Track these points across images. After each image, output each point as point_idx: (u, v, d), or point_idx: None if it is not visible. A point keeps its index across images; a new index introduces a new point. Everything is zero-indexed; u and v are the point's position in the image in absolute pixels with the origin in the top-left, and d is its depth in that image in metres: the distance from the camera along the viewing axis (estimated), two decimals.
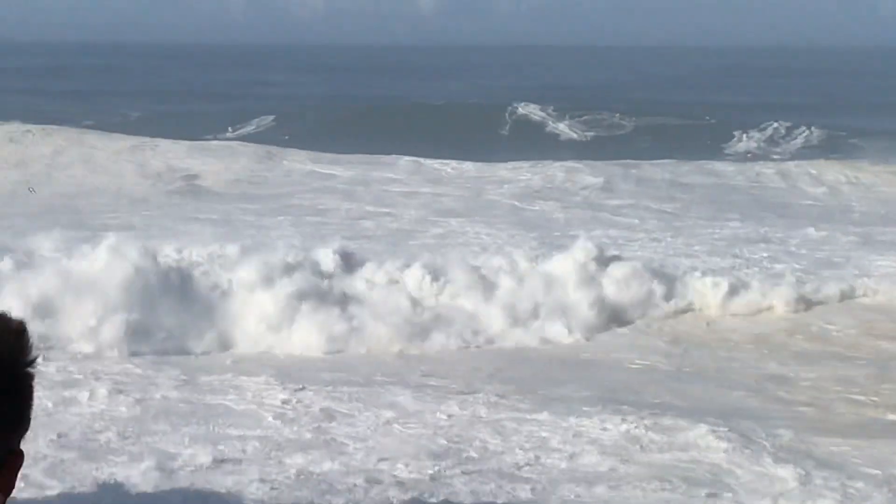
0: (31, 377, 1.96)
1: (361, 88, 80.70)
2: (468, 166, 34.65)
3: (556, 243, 21.38)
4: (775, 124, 49.88)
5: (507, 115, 51.89)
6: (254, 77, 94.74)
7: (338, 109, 54.90)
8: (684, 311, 17.90)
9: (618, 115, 51.77)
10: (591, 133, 49.78)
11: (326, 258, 17.57)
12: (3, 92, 64.25)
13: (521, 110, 52.38)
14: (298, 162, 35.59)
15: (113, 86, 79.25)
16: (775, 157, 44.30)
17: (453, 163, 34.91)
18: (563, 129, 50.45)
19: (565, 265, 17.98)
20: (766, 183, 33.48)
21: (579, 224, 25.55)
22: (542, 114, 52.07)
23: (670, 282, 18.23)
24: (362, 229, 24.65)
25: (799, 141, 48.47)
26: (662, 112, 53.88)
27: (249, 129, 50.10)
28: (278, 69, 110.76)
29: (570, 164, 35.14)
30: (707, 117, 52.22)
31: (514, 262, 18.21)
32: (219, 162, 34.90)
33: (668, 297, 17.95)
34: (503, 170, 34.28)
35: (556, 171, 34.03)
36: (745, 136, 48.61)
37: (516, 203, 29.55)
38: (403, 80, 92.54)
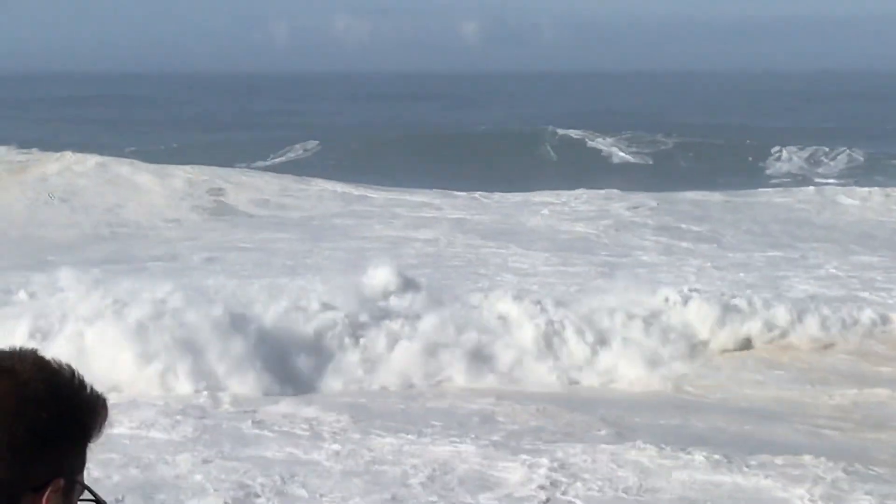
0: (85, 411, 2.05)
1: (404, 116, 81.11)
2: (517, 197, 34.30)
3: (654, 277, 21.33)
4: (822, 148, 49.45)
5: (548, 138, 52.01)
6: (297, 105, 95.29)
7: (379, 137, 55.10)
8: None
9: (660, 135, 51.92)
10: (640, 153, 49.80)
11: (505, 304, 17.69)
12: (59, 121, 65.25)
13: (562, 132, 52.45)
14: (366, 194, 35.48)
15: (155, 115, 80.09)
16: (818, 179, 44.05)
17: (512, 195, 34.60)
18: (616, 151, 50.24)
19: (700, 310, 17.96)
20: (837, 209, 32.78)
21: (658, 253, 25.51)
22: (584, 135, 52.16)
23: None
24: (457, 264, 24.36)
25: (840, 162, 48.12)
26: (703, 134, 53.82)
27: (292, 154, 50.59)
28: (322, 97, 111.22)
29: (614, 191, 34.71)
30: (748, 140, 52.15)
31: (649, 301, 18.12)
32: (259, 191, 35.26)
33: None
34: (558, 197, 33.88)
35: (611, 199, 33.65)
36: (788, 156, 48.46)
37: (578, 229, 29.22)
38: (447, 108, 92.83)
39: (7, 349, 2.05)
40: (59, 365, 2.04)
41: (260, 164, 46.95)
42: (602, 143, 51.03)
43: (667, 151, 49.98)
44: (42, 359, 2.03)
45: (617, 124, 58.04)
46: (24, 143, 42.66)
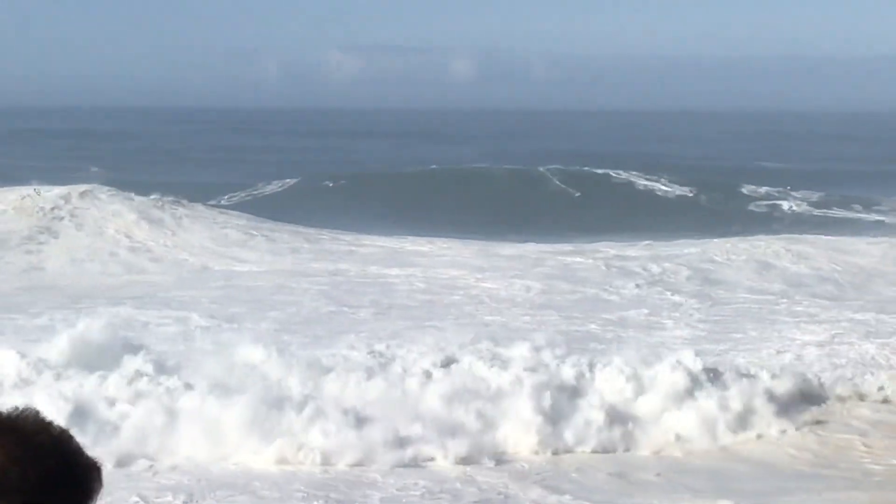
0: (85, 468, 2.13)
1: (400, 153, 79.72)
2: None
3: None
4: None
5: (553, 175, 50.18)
6: (279, 141, 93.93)
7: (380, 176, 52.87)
8: None
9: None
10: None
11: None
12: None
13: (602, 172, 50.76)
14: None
15: (124, 147, 78.77)
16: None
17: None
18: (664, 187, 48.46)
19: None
20: None
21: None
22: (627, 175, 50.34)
23: None
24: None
25: None
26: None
27: (271, 188, 48.89)
28: (303, 133, 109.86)
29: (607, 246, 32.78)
30: (747, 183, 50.09)
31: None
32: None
33: None
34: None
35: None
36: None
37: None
38: (436, 144, 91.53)
39: (8, 409, 2.11)
40: (60, 427, 2.13)
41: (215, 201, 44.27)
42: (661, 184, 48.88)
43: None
44: (44, 419, 2.12)
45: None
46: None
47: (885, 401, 16.81)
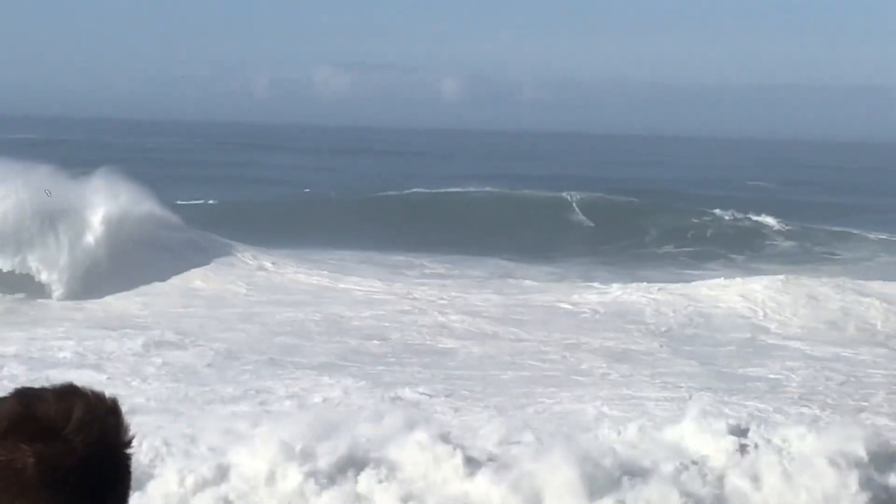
0: (128, 458, 2.10)
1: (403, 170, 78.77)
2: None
3: None
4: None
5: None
6: (254, 156, 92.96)
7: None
8: None
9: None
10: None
11: None
12: None
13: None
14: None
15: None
16: None
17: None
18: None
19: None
20: None
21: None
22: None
23: None
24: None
25: None
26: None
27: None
28: (282, 148, 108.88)
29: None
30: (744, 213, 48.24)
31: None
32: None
33: None
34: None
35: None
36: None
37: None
38: (416, 162, 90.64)
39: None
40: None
41: None
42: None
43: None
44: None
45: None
46: None
47: None
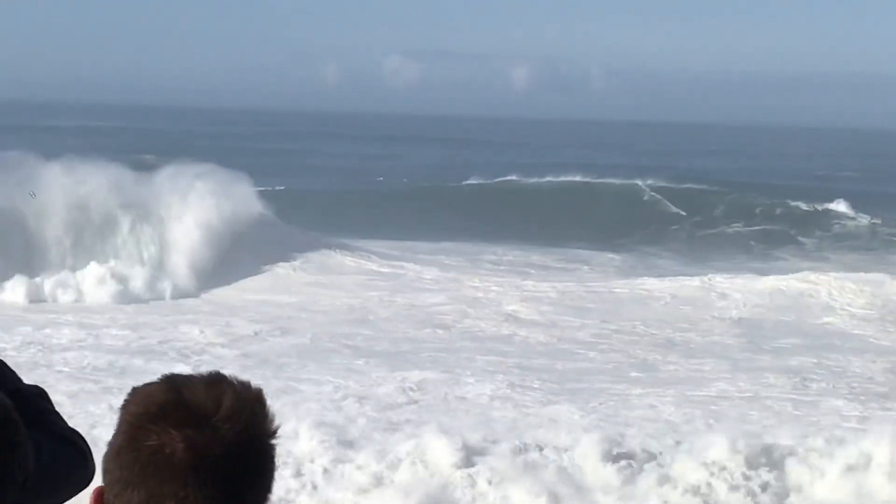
0: (273, 448, 2.09)
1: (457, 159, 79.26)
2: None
3: None
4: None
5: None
6: (344, 146, 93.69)
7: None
8: None
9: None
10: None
11: None
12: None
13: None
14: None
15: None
16: None
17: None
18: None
19: None
20: None
21: None
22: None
23: None
24: None
25: None
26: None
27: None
28: (343, 137, 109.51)
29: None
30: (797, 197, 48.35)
31: None
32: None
33: None
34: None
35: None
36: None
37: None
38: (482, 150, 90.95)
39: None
40: None
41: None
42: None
43: None
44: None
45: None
46: None
47: None
